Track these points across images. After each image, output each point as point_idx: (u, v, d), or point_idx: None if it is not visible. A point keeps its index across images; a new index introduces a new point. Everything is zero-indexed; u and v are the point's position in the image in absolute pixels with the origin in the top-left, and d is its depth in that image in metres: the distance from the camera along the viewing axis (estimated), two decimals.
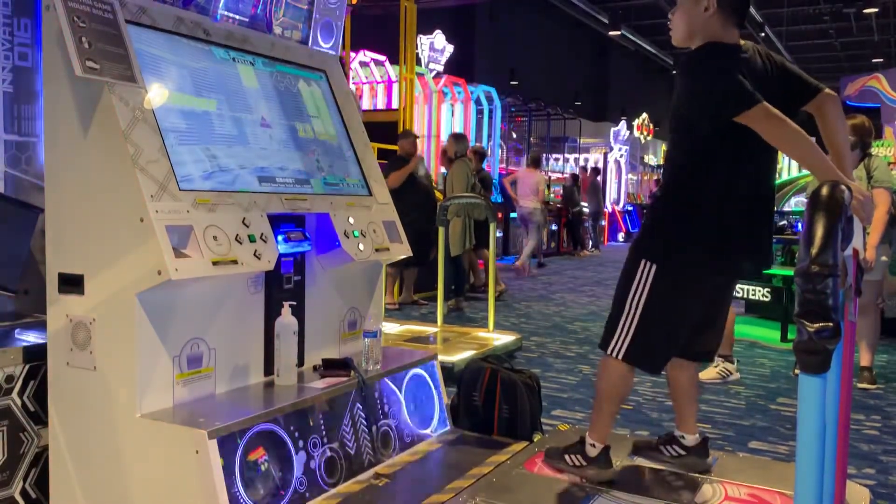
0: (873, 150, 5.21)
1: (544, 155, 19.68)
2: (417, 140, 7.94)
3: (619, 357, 2.45)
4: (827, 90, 2.38)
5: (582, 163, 19.87)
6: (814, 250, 1.47)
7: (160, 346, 2.15)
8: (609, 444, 2.55)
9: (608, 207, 19.09)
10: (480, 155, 8.96)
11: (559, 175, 19.27)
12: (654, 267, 2.38)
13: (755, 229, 2.39)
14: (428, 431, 2.89)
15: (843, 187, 1.64)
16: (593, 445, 2.53)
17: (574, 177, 16.42)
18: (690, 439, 2.66)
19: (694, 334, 2.54)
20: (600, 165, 20.07)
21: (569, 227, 15.57)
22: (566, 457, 2.57)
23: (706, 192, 2.32)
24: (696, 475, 2.59)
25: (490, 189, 8.43)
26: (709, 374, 5.12)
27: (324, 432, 2.39)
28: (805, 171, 6.12)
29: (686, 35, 2.40)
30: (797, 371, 1.65)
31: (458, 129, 12.99)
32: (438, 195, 8.79)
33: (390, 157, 7.31)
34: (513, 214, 12.25)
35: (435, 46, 13.14)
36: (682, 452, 2.66)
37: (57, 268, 2.20)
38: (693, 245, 2.35)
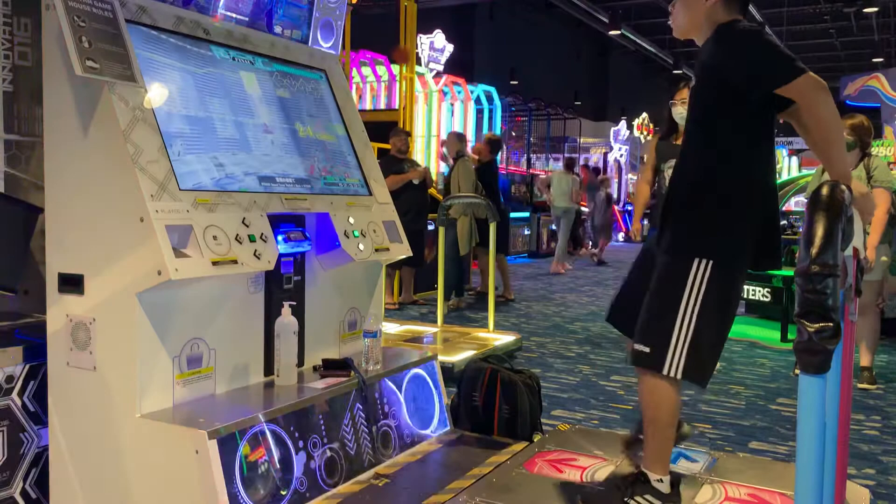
0: (873, 150, 5.21)
1: (544, 155, 19.69)
2: (408, 138, 7.90)
3: (678, 375, 2.14)
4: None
5: (583, 162, 19.88)
6: (814, 250, 1.47)
7: (160, 346, 2.15)
8: (678, 475, 2.30)
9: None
10: (494, 145, 8.54)
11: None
12: (710, 265, 2.13)
13: (778, 222, 2.29)
14: (428, 431, 2.89)
15: (844, 187, 1.64)
16: (661, 481, 2.22)
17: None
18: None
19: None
20: (600, 165, 20.07)
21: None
22: (632, 501, 2.23)
23: (744, 182, 2.19)
24: (697, 475, 2.59)
25: (495, 193, 8.13)
26: None
27: (324, 432, 2.39)
28: (805, 171, 6.12)
29: (689, 26, 2.31)
30: (797, 371, 1.65)
31: (458, 128, 12.99)
32: (437, 195, 8.79)
33: (383, 157, 7.29)
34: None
35: (435, 46, 13.14)
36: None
37: (57, 268, 2.20)
38: (744, 238, 2.17)
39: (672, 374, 2.14)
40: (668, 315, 2.15)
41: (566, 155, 21.28)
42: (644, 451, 2.29)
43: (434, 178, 10.95)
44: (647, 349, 2.18)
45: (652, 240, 2.55)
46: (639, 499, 2.22)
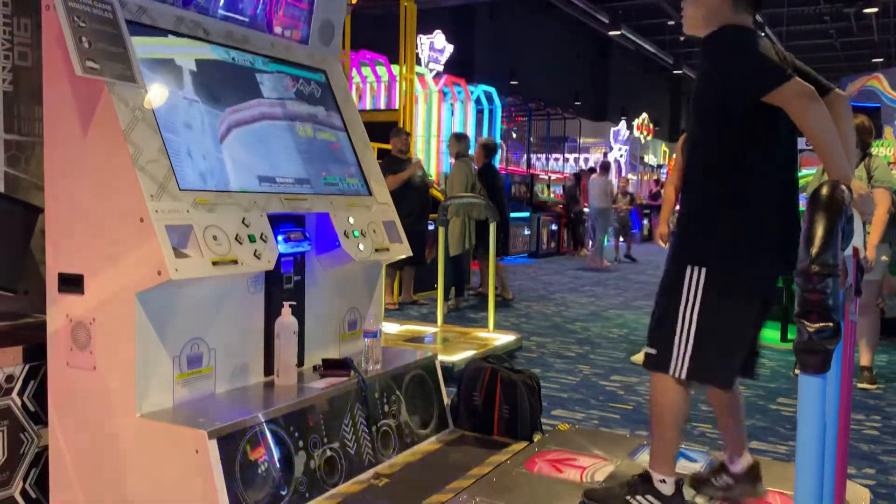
0: (873, 150, 5.21)
1: (544, 155, 19.71)
2: (408, 138, 7.90)
3: (683, 376, 2.20)
4: (837, 90, 2.27)
5: (583, 164, 19.89)
6: (814, 250, 1.47)
7: (160, 346, 2.15)
8: (681, 477, 2.30)
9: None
10: (489, 149, 8.48)
11: (559, 175, 19.27)
12: (703, 271, 2.16)
13: (790, 224, 2.24)
14: (428, 431, 2.89)
15: (844, 187, 1.64)
16: (663, 481, 2.24)
17: (576, 177, 16.44)
18: (740, 463, 2.42)
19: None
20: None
21: (570, 227, 15.56)
22: (633, 500, 2.25)
23: (745, 185, 2.17)
24: (697, 475, 2.58)
25: (499, 193, 8.08)
26: (641, 357, 5.36)
27: (324, 432, 2.39)
28: (805, 171, 6.12)
29: (700, 23, 2.29)
30: (797, 371, 1.65)
31: (458, 128, 12.99)
32: (439, 195, 8.79)
33: (384, 157, 7.30)
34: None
35: (435, 46, 13.14)
36: (731, 482, 2.42)
37: (57, 268, 2.20)
38: (744, 244, 2.17)
39: (677, 375, 2.20)
40: (668, 320, 2.21)
41: (565, 154, 21.30)
42: (650, 451, 2.31)
43: (434, 177, 10.95)
44: (654, 351, 2.26)
45: None
46: (640, 498, 2.25)
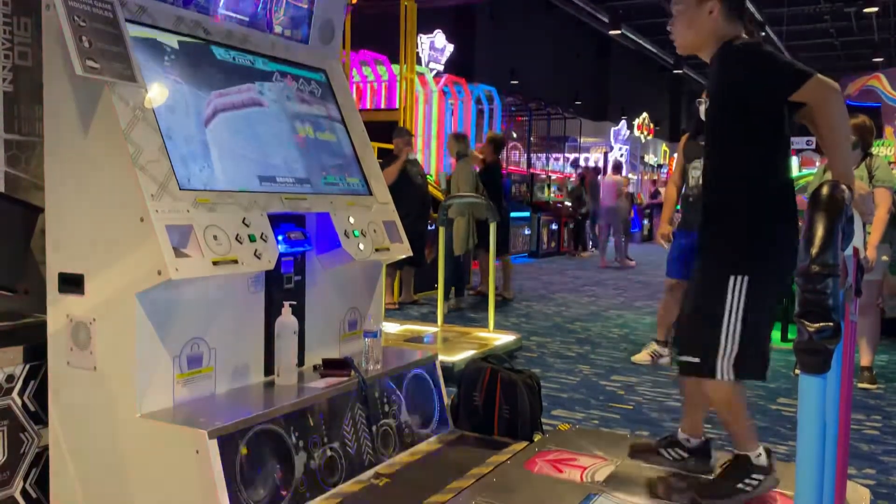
0: (874, 150, 5.21)
1: (544, 155, 19.72)
2: (411, 138, 7.89)
3: (731, 378, 2.29)
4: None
5: (582, 162, 19.89)
6: (814, 250, 1.47)
7: (160, 346, 2.14)
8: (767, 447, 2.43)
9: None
10: (497, 144, 8.52)
11: (559, 174, 19.28)
12: (745, 280, 2.24)
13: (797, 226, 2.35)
14: (428, 431, 2.89)
15: (844, 187, 1.64)
16: (759, 455, 2.38)
17: (581, 177, 16.44)
18: (695, 442, 2.62)
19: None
20: (600, 165, 20.08)
21: (574, 227, 15.55)
22: (742, 485, 2.35)
23: (775, 191, 2.29)
24: (698, 475, 2.59)
25: (500, 190, 8.10)
26: (641, 357, 5.60)
27: (324, 432, 2.39)
28: (805, 171, 6.12)
29: (695, 42, 2.37)
30: (797, 371, 1.65)
31: (458, 128, 12.99)
32: (438, 194, 8.78)
33: (386, 157, 7.30)
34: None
35: (435, 46, 13.15)
36: (685, 455, 2.62)
37: (57, 268, 2.20)
38: (776, 243, 2.27)
39: (725, 379, 2.29)
40: (712, 330, 2.27)
41: (565, 154, 21.31)
42: (733, 437, 2.43)
43: (434, 177, 10.94)
44: (696, 360, 2.33)
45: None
46: (748, 480, 2.35)
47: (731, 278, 2.25)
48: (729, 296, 2.25)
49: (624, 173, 20.94)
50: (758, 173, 2.29)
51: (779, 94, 2.19)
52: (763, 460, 2.37)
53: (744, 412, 2.40)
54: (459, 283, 8.03)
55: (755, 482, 2.35)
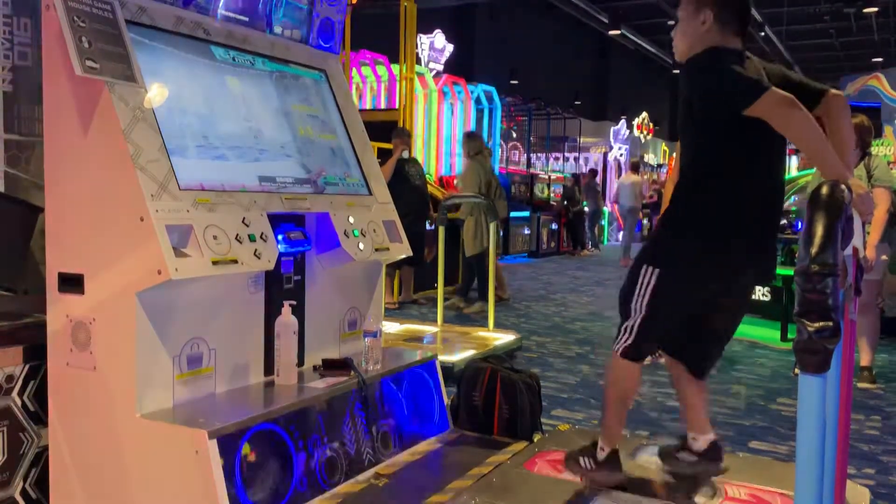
0: (873, 150, 5.21)
1: (544, 155, 19.72)
2: (410, 138, 7.88)
3: (621, 354, 2.45)
4: (833, 90, 2.32)
5: (582, 163, 19.91)
6: (814, 250, 1.47)
7: (160, 346, 2.15)
8: (617, 448, 2.52)
9: (608, 207, 19.10)
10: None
11: (559, 174, 19.29)
12: (656, 271, 2.36)
13: (760, 232, 2.37)
14: (428, 431, 2.89)
15: (844, 187, 1.64)
16: (602, 449, 2.51)
17: (575, 177, 16.47)
18: (703, 440, 2.56)
19: (698, 345, 2.55)
20: (600, 165, 20.10)
21: (569, 227, 15.57)
22: (580, 459, 2.53)
23: (713, 195, 2.31)
24: (697, 475, 2.58)
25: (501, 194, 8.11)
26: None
27: (324, 432, 2.39)
28: (805, 171, 6.12)
29: (687, 50, 2.38)
30: (797, 371, 1.65)
31: (458, 128, 12.98)
32: (438, 194, 8.77)
33: (385, 157, 7.30)
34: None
35: (435, 46, 13.14)
36: (693, 459, 2.56)
37: (57, 268, 2.20)
38: (693, 243, 2.33)
39: (618, 352, 2.46)
40: (624, 307, 2.45)
41: (565, 154, 21.29)
42: (602, 422, 2.56)
43: (434, 178, 10.94)
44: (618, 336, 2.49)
45: None
46: (585, 459, 2.51)
47: (644, 267, 2.38)
48: (639, 282, 2.39)
49: (624, 173, 20.97)
50: (707, 182, 2.33)
51: (732, 108, 2.18)
52: (602, 455, 2.50)
53: (623, 404, 2.53)
54: (466, 284, 8.00)
55: (587, 465, 2.50)
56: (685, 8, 2.38)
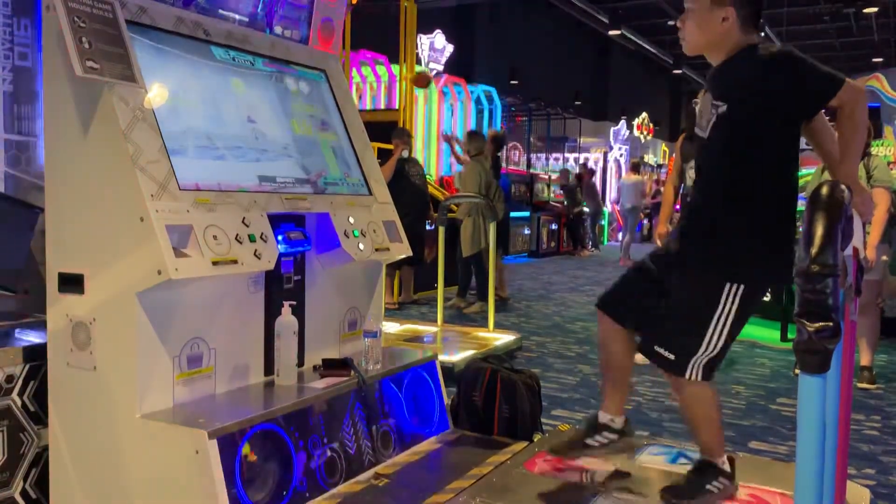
0: (873, 150, 5.21)
1: (544, 155, 19.73)
2: (410, 139, 7.88)
3: (698, 378, 2.33)
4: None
5: (582, 161, 19.91)
6: (814, 250, 1.47)
7: (160, 346, 2.15)
8: (733, 455, 2.48)
9: (608, 207, 19.12)
10: (497, 142, 8.48)
11: (558, 175, 19.29)
12: (741, 288, 2.25)
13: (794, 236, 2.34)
14: (428, 431, 2.89)
15: (844, 187, 1.64)
16: (724, 462, 2.42)
17: (577, 177, 16.46)
18: (619, 421, 2.60)
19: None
20: (600, 165, 20.10)
21: (569, 227, 15.57)
22: (711, 486, 2.39)
23: (776, 202, 2.28)
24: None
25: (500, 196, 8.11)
26: (641, 357, 5.57)
27: (324, 432, 2.39)
28: (804, 171, 6.12)
29: (704, 45, 2.36)
30: (797, 371, 1.65)
31: (458, 128, 12.99)
32: (438, 194, 8.78)
33: (385, 157, 7.30)
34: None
35: (435, 46, 13.15)
36: (613, 437, 2.59)
37: (57, 268, 2.20)
38: (773, 256, 2.29)
39: (693, 379, 2.32)
40: (697, 332, 2.28)
41: (565, 154, 21.30)
42: (701, 442, 2.44)
43: (434, 178, 10.94)
44: (671, 356, 2.33)
45: (665, 246, 2.60)
46: (716, 483, 2.39)
47: (728, 285, 2.25)
48: (722, 302, 2.26)
49: (624, 173, 20.99)
50: (769, 182, 2.27)
51: (818, 101, 2.21)
52: (727, 467, 2.41)
53: (717, 417, 2.43)
54: (465, 283, 8.01)
55: (721, 486, 2.39)
56: (698, 0, 2.32)
